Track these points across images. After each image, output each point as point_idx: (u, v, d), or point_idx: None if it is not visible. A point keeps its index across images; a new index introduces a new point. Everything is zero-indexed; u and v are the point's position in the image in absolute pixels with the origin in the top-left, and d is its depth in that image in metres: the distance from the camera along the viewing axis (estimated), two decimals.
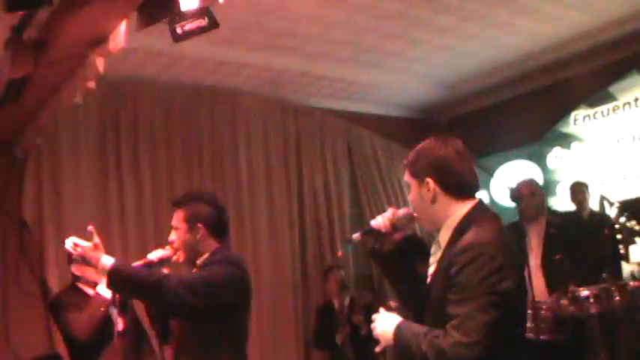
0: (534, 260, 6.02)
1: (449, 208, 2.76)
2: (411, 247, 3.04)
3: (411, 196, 2.89)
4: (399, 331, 2.68)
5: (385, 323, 2.74)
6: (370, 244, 3.00)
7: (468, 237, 2.61)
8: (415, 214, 2.93)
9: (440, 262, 2.73)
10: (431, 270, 2.81)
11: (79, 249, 3.57)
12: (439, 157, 2.79)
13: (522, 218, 6.32)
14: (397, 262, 3.02)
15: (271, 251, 8.41)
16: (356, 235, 2.99)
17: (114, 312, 4.91)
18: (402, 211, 2.96)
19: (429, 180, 2.76)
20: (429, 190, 2.76)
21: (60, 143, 7.24)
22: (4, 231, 7.03)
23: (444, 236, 2.76)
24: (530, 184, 6.53)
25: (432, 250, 2.84)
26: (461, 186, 2.79)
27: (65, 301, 5.20)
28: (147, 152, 7.77)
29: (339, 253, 2.85)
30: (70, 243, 3.61)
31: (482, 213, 2.78)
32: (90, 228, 3.75)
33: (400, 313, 2.83)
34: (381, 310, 2.80)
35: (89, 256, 3.54)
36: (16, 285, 6.98)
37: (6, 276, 6.95)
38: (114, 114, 7.64)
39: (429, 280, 2.80)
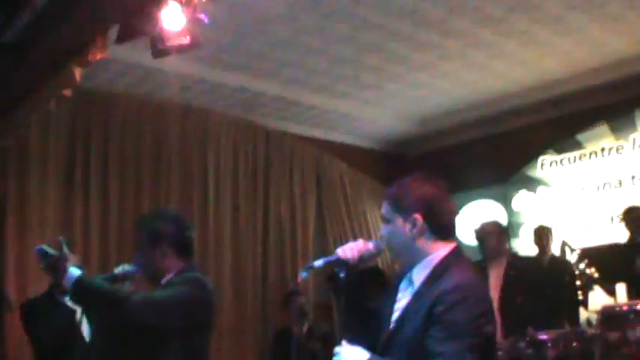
0: (494, 301, 6.07)
1: (430, 246, 2.74)
2: (372, 279, 3.04)
3: (387, 230, 2.83)
4: None
5: (352, 356, 2.69)
6: (332, 272, 2.92)
7: (455, 278, 2.63)
8: (383, 249, 2.91)
9: (416, 299, 2.71)
10: (399, 305, 2.80)
11: (46, 258, 3.53)
12: (430, 195, 2.76)
13: (485, 258, 6.41)
14: (356, 294, 2.97)
15: (234, 273, 8.37)
16: (318, 263, 2.91)
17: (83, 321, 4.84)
18: (371, 245, 2.89)
19: (417, 216, 2.71)
20: (414, 227, 2.71)
21: (28, 149, 7.14)
22: None
23: (419, 274, 2.74)
24: (494, 225, 6.63)
25: (402, 286, 2.83)
26: (445, 227, 2.78)
27: (37, 307, 5.12)
28: (115, 165, 7.70)
29: (299, 280, 2.82)
30: (38, 251, 3.57)
31: (461, 257, 2.79)
32: (59, 238, 3.71)
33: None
34: (344, 342, 2.73)
35: (56, 265, 3.50)
36: None
37: None
38: (85, 123, 7.57)
39: (397, 315, 2.78)
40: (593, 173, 8.74)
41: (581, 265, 7.22)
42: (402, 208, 2.75)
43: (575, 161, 8.93)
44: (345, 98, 8.81)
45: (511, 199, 9.46)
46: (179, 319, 3.54)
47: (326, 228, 9.51)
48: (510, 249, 6.78)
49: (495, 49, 7.64)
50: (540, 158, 9.23)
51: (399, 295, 2.83)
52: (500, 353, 5.55)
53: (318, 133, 9.72)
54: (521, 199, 9.40)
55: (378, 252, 2.92)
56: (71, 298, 3.55)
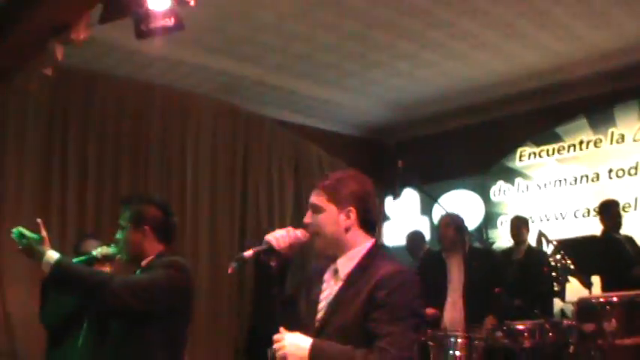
0: (455, 291, 6.20)
1: (357, 239, 2.88)
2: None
3: (318, 219, 2.90)
4: (317, 349, 2.70)
5: (295, 342, 2.73)
6: (261, 260, 2.95)
7: (389, 266, 2.78)
8: (306, 237, 2.96)
9: (347, 287, 2.83)
10: (325, 294, 2.90)
11: (24, 240, 3.50)
12: (365, 191, 2.92)
13: (443, 248, 6.58)
14: (281, 282, 3.02)
15: (211, 258, 8.35)
16: (248, 253, 2.91)
17: None
18: (299, 232, 2.95)
19: (351, 209, 2.86)
20: (348, 219, 2.86)
21: (7, 126, 7.08)
22: None
23: (345, 264, 2.87)
24: (449, 217, 6.74)
25: (326, 277, 2.94)
26: (373, 222, 2.95)
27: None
28: (94, 146, 7.65)
29: (230, 270, 2.86)
30: (17, 233, 3.54)
31: (382, 249, 2.99)
32: (38, 220, 3.68)
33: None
34: (282, 330, 2.77)
35: (35, 248, 3.47)
36: None
37: None
38: (64, 103, 7.51)
39: (325, 304, 2.88)
40: (571, 166, 8.80)
41: (558, 257, 7.27)
42: (336, 199, 2.87)
43: (553, 154, 8.99)
44: (327, 85, 8.80)
45: (489, 189, 9.51)
46: (156, 303, 3.54)
47: (304, 212, 9.47)
48: (469, 242, 6.84)
49: (478, 40, 7.66)
50: (519, 150, 9.28)
51: (324, 285, 2.94)
52: (476, 342, 5.62)
53: (298, 119, 9.72)
54: (499, 190, 9.44)
55: (305, 240, 2.97)
56: (49, 282, 3.51)
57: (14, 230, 3.56)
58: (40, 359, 5.09)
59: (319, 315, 2.88)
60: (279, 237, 2.93)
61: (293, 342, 2.72)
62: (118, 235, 3.86)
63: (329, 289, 2.90)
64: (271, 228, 8.71)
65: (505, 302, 6.09)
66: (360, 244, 2.88)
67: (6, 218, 6.92)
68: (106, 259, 3.94)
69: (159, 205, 3.85)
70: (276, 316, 2.86)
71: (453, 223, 6.66)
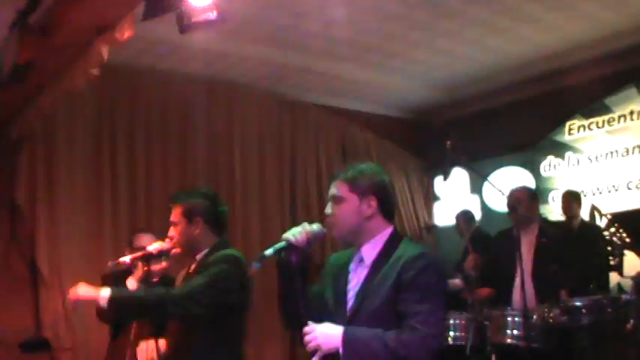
0: (526, 269, 6.06)
1: (379, 227, 3.01)
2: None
3: (339, 209, 3.01)
4: (349, 335, 2.81)
5: (326, 332, 2.85)
6: (283, 257, 3.04)
7: (413, 250, 2.93)
8: (325, 230, 3.07)
9: (374, 272, 2.94)
10: (353, 284, 3.01)
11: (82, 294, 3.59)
12: (384, 181, 3.05)
13: (515, 225, 6.37)
14: (303, 276, 3.08)
15: (261, 246, 8.36)
16: (269, 252, 3.01)
17: None
18: (316, 227, 3.04)
19: (372, 198, 2.97)
20: (369, 207, 2.97)
21: (56, 128, 7.20)
22: None
23: (370, 251, 2.99)
24: (524, 191, 6.57)
25: (352, 267, 3.05)
26: (392, 211, 3.07)
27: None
28: (142, 141, 7.74)
29: (252, 271, 2.92)
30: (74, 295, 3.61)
31: (400, 234, 3.08)
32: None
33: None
34: (309, 322, 2.88)
35: (92, 296, 3.54)
36: (4, 267, 6.91)
37: None
38: (110, 101, 7.61)
39: (354, 292, 2.98)
40: (622, 137, 8.64)
41: (612, 230, 7.16)
42: (358, 189, 3.00)
43: (603, 125, 8.83)
44: (370, 67, 8.75)
45: (539, 165, 9.39)
46: (218, 304, 3.61)
47: None
48: (541, 216, 6.70)
49: (521, 13, 7.54)
50: (568, 123, 9.13)
51: (350, 275, 3.06)
52: (534, 320, 5.56)
53: (343, 103, 9.70)
54: (549, 165, 9.32)
55: (322, 234, 3.07)
56: (111, 315, 3.58)
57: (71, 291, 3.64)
58: (103, 353, 5.19)
59: (349, 304, 2.98)
60: (297, 233, 3.00)
61: (324, 332, 2.85)
62: (172, 232, 3.92)
63: (356, 277, 3.02)
64: (321, 213, 8.77)
65: (561, 279, 6.00)
66: (382, 231, 3.02)
67: (61, 216, 7.06)
68: (161, 254, 3.98)
69: (209, 198, 3.91)
70: (301, 310, 2.92)
71: (526, 197, 6.49)
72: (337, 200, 3.03)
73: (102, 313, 4.39)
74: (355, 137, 9.71)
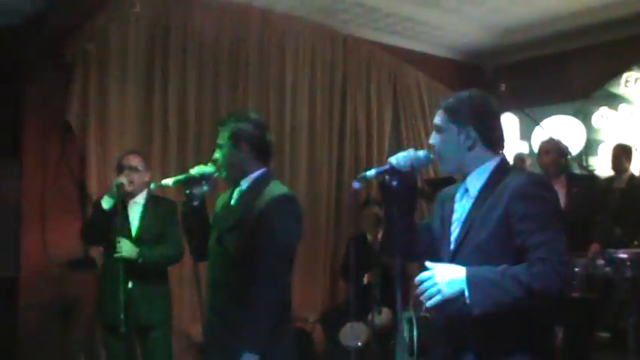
0: None
1: (482, 157, 2.92)
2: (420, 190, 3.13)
3: (440, 139, 2.98)
4: (474, 276, 2.67)
5: (449, 273, 2.71)
6: (385, 180, 3.00)
7: (520, 176, 2.84)
8: (432, 158, 3.01)
9: (479, 204, 2.86)
10: (458, 214, 2.96)
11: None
12: (485, 110, 2.96)
13: (544, 174, 6.43)
14: (409, 203, 3.07)
15: (309, 181, 8.45)
16: (371, 173, 3.00)
17: None
18: (422, 153, 2.99)
19: (471, 128, 2.91)
20: (468, 138, 2.91)
21: (109, 52, 7.17)
22: (47, 134, 7.04)
23: (474, 182, 2.92)
24: (549, 143, 6.56)
25: (457, 197, 3.00)
26: (497, 140, 2.97)
27: None
28: (194, 69, 7.73)
29: (353, 188, 2.90)
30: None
31: (510, 165, 3.00)
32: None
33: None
34: (429, 263, 2.79)
35: None
36: (55, 189, 7.03)
37: (45, 179, 6.99)
38: (163, 28, 7.57)
39: (459, 223, 2.92)
40: None
41: None
42: (458, 119, 2.93)
43: None
44: (426, 6, 8.60)
45: (591, 115, 9.23)
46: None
47: (402, 136, 9.47)
48: (568, 169, 6.66)
49: None
50: (625, 75, 8.94)
51: (456, 205, 2.99)
52: (577, 269, 5.55)
53: (396, 41, 9.57)
54: (602, 116, 9.16)
55: (428, 161, 3.03)
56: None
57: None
58: None
59: (453, 235, 2.93)
60: (401, 157, 2.96)
61: (443, 275, 2.71)
62: (216, 155, 3.88)
63: (460, 209, 2.96)
64: (370, 149, 8.75)
65: (606, 231, 5.97)
66: (486, 162, 2.93)
67: (111, 138, 7.13)
68: (203, 177, 3.93)
69: (256, 123, 3.84)
70: (397, 237, 2.91)
71: (553, 149, 6.51)
72: (437, 130, 2.99)
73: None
74: (406, 76, 9.62)
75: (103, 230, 5.23)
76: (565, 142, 6.77)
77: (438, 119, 2.99)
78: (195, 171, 3.87)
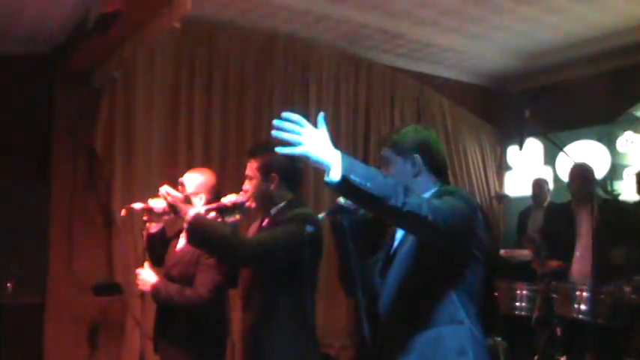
0: (583, 243, 6.08)
1: (427, 184, 3.03)
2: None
3: (391, 171, 3.05)
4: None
5: (325, 140, 2.61)
6: (336, 219, 3.06)
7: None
8: None
9: None
10: (400, 233, 3.06)
11: (170, 198, 3.66)
12: (426, 138, 3.11)
13: (573, 200, 6.42)
14: (360, 238, 3.09)
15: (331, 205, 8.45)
16: (321, 215, 3.09)
17: None
18: None
19: (416, 156, 3.03)
20: (414, 166, 3.03)
21: (136, 78, 7.30)
22: (74, 159, 7.16)
23: None
24: (579, 167, 6.58)
25: None
26: (439, 167, 3.10)
27: None
28: (219, 96, 7.80)
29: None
30: (163, 191, 3.70)
31: (450, 189, 3.00)
32: (181, 179, 3.88)
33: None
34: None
35: (179, 206, 3.62)
36: (81, 213, 7.12)
37: (72, 204, 7.10)
38: (189, 54, 7.67)
39: (400, 238, 3.03)
40: None
41: None
42: (401, 150, 3.06)
43: None
44: (449, 32, 8.62)
45: (615, 140, 9.17)
46: (290, 259, 3.67)
47: None
48: (599, 195, 6.63)
49: None
50: None
51: (398, 233, 3.09)
52: (602, 296, 5.52)
53: (420, 67, 9.60)
54: (627, 140, 9.11)
55: None
56: (187, 237, 3.62)
57: (161, 189, 3.73)
58: None
59: (392, 248, 3.08)
60: None
61: (319, 139, 2.58)
62: (246, 185, 3.96)
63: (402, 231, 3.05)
64: None
65: (634, 258, 5.94)
66: (431, 189, 3.02)
67: (137, 165, 7.21)
68: (235, 207, 4.01)
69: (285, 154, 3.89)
70: (356, 270, 2.94)
71: (583, 173, 6.51)
72: (385, 163, 3.10)
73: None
74: (430, 102, 9.65)
75: None
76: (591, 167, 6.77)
77: (384, 153, 3.12)
78: (226, 200, 3.96)
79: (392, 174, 3.01)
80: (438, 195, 2.90)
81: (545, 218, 7.45)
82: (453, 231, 2.66)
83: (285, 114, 2.56)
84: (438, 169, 3.09)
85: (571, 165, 6.71)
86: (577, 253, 6.22)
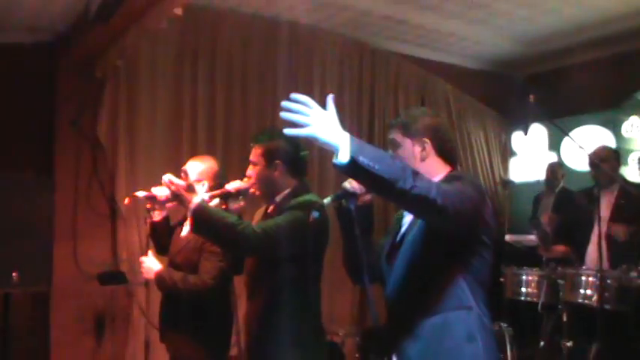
0: (603, 229, 5.99)
1: (435, 168, 3.00)
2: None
3: (398, 153, 3.03)
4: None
5: (334, 121, 2.68)
6: (342, 204, 3.01)
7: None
8: None
9: None
10: (407, 218, 3.06)
11: (173, 186, 3.65)
12: (436, 122, 3.09)
13: (596, 185, 6.31)
14: (363, 222, 3.05)
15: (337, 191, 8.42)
16: (327, 200, 3.02)
17: None
18: None
19: (425, 140, 3.01)
20: (423, 150, 3.01)
21: (138, 67, 7.29)
22: (78, 149, 7.14)
23: None
24: (608, 150, 6.48)
25: None
26: (448, 151, 3.07)
27: None
28: (222, 82, 7.80)
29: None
30: (166, 179, 3.69)
31: (460, 175, 2.98)
32: (184, 168, 3.88)
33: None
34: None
35: (183, 194, 3.60)
36: (85, 203, 7.12)
37: (77, 194, 7.09)
38: (192, 42, 7.65)
39: (409, 223, 3.01)
40: None
41: None
42: (410, 132, 3.04)
43: None
44: (453, 17, 8.56)
45: (621, 125, 9.13)
46: (292, 247, 3.64)
47: None
48: (622, 175, 6.58)
49: None
50: None
51: (405, 219, 3.09)
52: (609, 281, 5.50)
53: (424, 53, 9.56)
54: (632, 125, 9.06)
55: None
56: (191, 224, 3.60)
57: (164, 177, 3.71)
58: None
59: (399, 235, 3.08)
60: (354, 181, 2.94)
61: (327, 121, 2.64)
62: (250, 172, 3.95)
63: (409, 215, 3.05)
64: None
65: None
66: (439, 173, 2.99)
67: (140, 154, 7.20)
68: (239, 193, 4.01)
69: (289, 140, 3.84)
70: (362, 256, 2.86)
71: (610, 157, 6.42)
72: (393, 145, 3.07)
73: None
74: (435, 88, 9.61)
75: None
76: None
77: (392, 135, 3.10)
78: (230, 186, 3.95)
79: (399, 156, 3.00)
80: (447, 180, 2.88)
81: (558, 204, 7.39)
82: (462, 216, 2.64)
83: (293, 95, 2.56)
84: (447, 154, 3.06)
85: (593, 150, 6.52)
86: (593, 239, 6.12)
